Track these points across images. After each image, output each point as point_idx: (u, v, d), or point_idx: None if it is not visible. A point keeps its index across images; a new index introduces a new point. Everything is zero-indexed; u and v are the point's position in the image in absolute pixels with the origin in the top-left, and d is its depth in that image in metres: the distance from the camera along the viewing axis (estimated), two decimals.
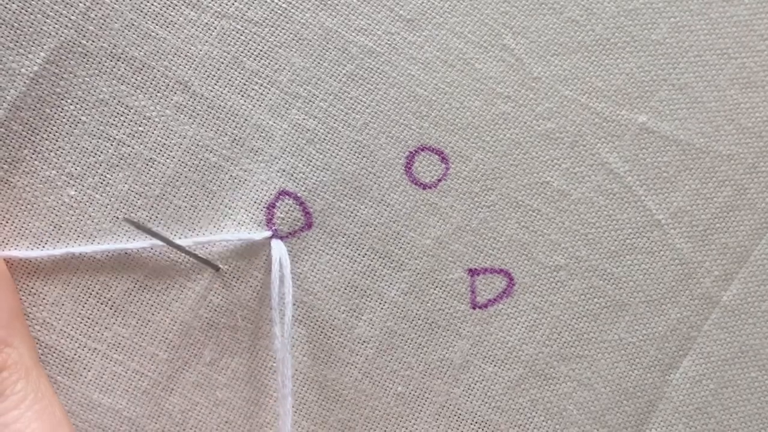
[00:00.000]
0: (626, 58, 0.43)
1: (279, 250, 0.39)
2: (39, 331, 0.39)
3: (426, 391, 0.42)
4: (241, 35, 0.40)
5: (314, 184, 0.41)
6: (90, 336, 0.40)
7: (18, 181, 0.39)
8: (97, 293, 0.40)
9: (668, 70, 0.43)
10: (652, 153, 0.43)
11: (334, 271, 0.41)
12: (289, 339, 0.39)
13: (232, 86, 0.40)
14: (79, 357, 0.40)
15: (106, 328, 0.40)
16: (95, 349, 0.40)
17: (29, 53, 0.38)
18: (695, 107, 0.43)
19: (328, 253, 0.41)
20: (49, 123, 0.39)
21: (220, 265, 0.40)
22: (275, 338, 0.39)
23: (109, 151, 0.39)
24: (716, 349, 0.44)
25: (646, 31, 0.43)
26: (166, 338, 0.40)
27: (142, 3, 0.39)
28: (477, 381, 0.42)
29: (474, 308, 0.42)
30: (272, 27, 0.40)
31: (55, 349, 0.40)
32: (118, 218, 0.40)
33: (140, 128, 0.40)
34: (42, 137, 0.39)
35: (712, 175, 0.43)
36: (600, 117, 0.43)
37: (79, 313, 0.40)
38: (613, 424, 0.43)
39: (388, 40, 0.41)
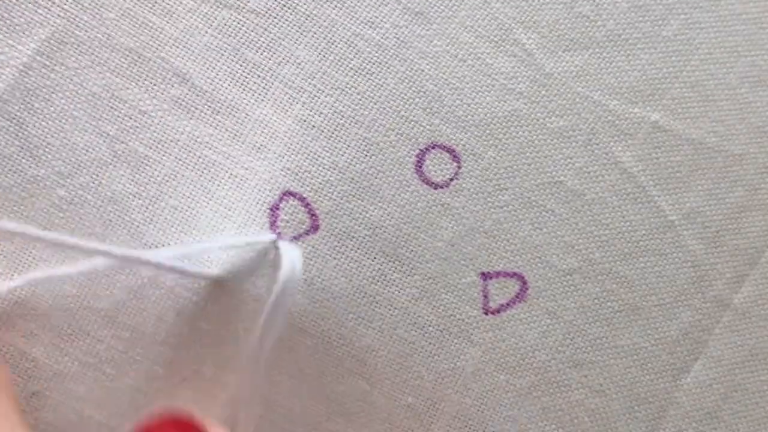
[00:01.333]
0: (638, 55, 0.42)
1: (290, 255, 0.37)
2: (26, 343, 0.37)
3: (437, 402, 0.40)
4: (243, 26, 0.38)
5: (320, 183, 0.39)
6: (81, 349, 0.37)
7: (3, 180, 0.36)
8: (89, 304, 0.37)
9: (680, 67, 0.42)
10: (665, 152, 0.42)
11: (342, 276, 0.39)
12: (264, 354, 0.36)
13: (232, 79, 0.38)
14: (69, 371, 0.37)
15: (98, 340, 0.37)
16: (87, 362, 0.37)
17: (18, 44, 0.36)
18: (707, 105, 0.42)
19: (335, 258, 0.39)
20: (38, 117, 0.36)
21: (219, 272, 0.38)
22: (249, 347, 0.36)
23: (102, 147, 0.37)
24: (727, 353, 0.43)
25: (657, 27, 0.42)
26: (162, 352, 0.38)
27: None
28: (488, 390, 0.41)
29: (486, 314, 0.40)
30: (275, 18, 0.38)
31: (44, 362, 0.37)
32: (111, 221, 0.37)
33: (135, 123, 0.37)
34: (30, 133, 0.36)
35: (724, 175, 0.43)
36: (613, 115, 0.41)
37: (70, 325, 0.37)
38: (624, 431, 0.42)
39: (396, 34, 0.39)
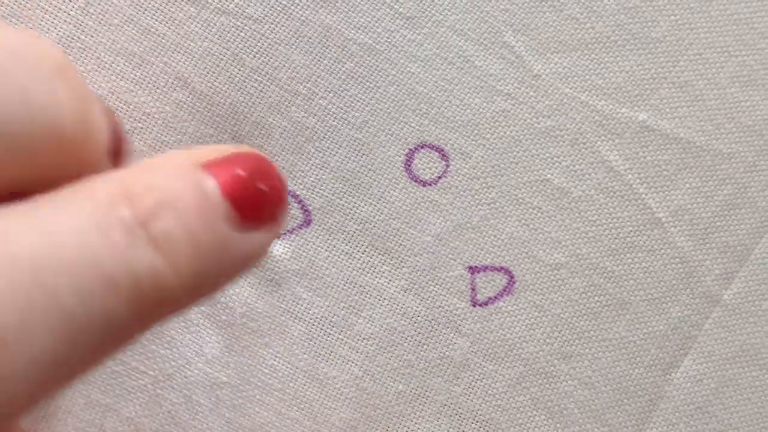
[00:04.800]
0: (626, 56, 0.43)
1: None
2: None
3: (426, 390, 0.42)
4: (241, 32, 0.40)
5: (313, 182, 0.41)
6: None
7: None
8: None
9: (668, 67, 0.43)
10: (653, 151, 0.43)
11: (333, 267, 0.41)
12: None
13: (231, 83, 0.40)
14: None
15: None
16: None
17: None
18: (695, 105, 0.43)
19: (327, 250, 0.41)
20: None
21: None
22: None
23: None
24: (717, 348, 0.44)
25: (646, 28, 0.43)
26: (167, 334, 0.40)
27: None
28: (477, 379, 0.42)
29: (474, 306, 0.42)
30: (272, 24, 0.40)
31: None
32: None
33: (139, 125, 0.39)
34: None
35: (712, 173, 0.43)
36: (600, 115, 0.42)
37: None
38: (614, 423, 0.43)
39: (388, 38, 0.41)
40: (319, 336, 0.41)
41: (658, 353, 0.43)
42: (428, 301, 0.41)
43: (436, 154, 0.41)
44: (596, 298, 0.43)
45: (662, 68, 0.43)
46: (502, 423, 0.42)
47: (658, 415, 0.43)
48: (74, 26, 0.39)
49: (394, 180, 0.41)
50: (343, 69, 0.41)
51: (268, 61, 0.40)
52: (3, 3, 0.38)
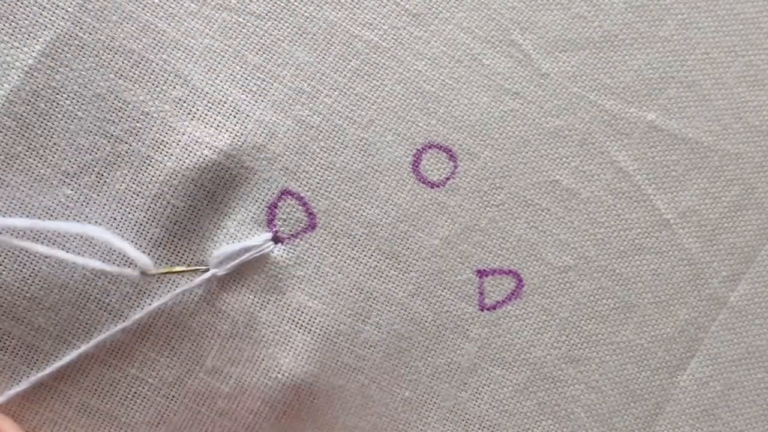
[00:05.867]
0: (634, 55, 0.42)
1: None
2: (35, 337, 0.38)
3: (433, 396, 0.41)
4: (243, 28, 0.39)
5: (318, 183, 0.39)
6: (87, 341, 0.38)
7: (11, 179, 0.37)
8: (96, 298, 0.38)
9: (676, 67, 0.43)
10: (661, 151, 0.42)
11: (339, 273, 0.40)
12: None
13: (233, 81, 0.39)
14: (76, 363, 0.38)
15: (104, 333, 0.38)
16: (93, 354, 0.38)
17: (24, 46, 0.37)
18: (703, 105, 0.43)
19: (332, 255, 0.40)
20: (44, 118, 0.37)
21: (221, 271, 0.39)
22: None
23: (106, 148, 0.38)
24: (723, 351, 0.43)
25: (654, 27, 0.42)
26: (168, 343, 0.39)
27: None
28: (484, 384, 0.41)
29: (482, 310, 0.41)
30: (275, 20, 0.39)
31: (52, 355, 0.38)
32: (115, 218, 0.38)
33: (138, 124, 0.38)
34: (36, 133, 0.37)
35: (720, 174, 0.43)
36: (609, 114, 0.42)
37: (77, 318, 0.38)
38: (621, 427, 0.43)
39: (394, 35, 0.40)
40: (324, 345, 0.40)
41: (665, 356, 0.43)
42: (436, 306, 0.41)
43: (444, 154, 0.40)
44: (604, 301, 0.42)
45: (670, 67, 0.42)
46: (509, 428, 0.41)
47: (665, 419, 0.43)
48: (72, 23, 0.37)
49: (401, 181, 0.40)
50: (349, 67, 0.40)
51: (271, 58, 0.39)
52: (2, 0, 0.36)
